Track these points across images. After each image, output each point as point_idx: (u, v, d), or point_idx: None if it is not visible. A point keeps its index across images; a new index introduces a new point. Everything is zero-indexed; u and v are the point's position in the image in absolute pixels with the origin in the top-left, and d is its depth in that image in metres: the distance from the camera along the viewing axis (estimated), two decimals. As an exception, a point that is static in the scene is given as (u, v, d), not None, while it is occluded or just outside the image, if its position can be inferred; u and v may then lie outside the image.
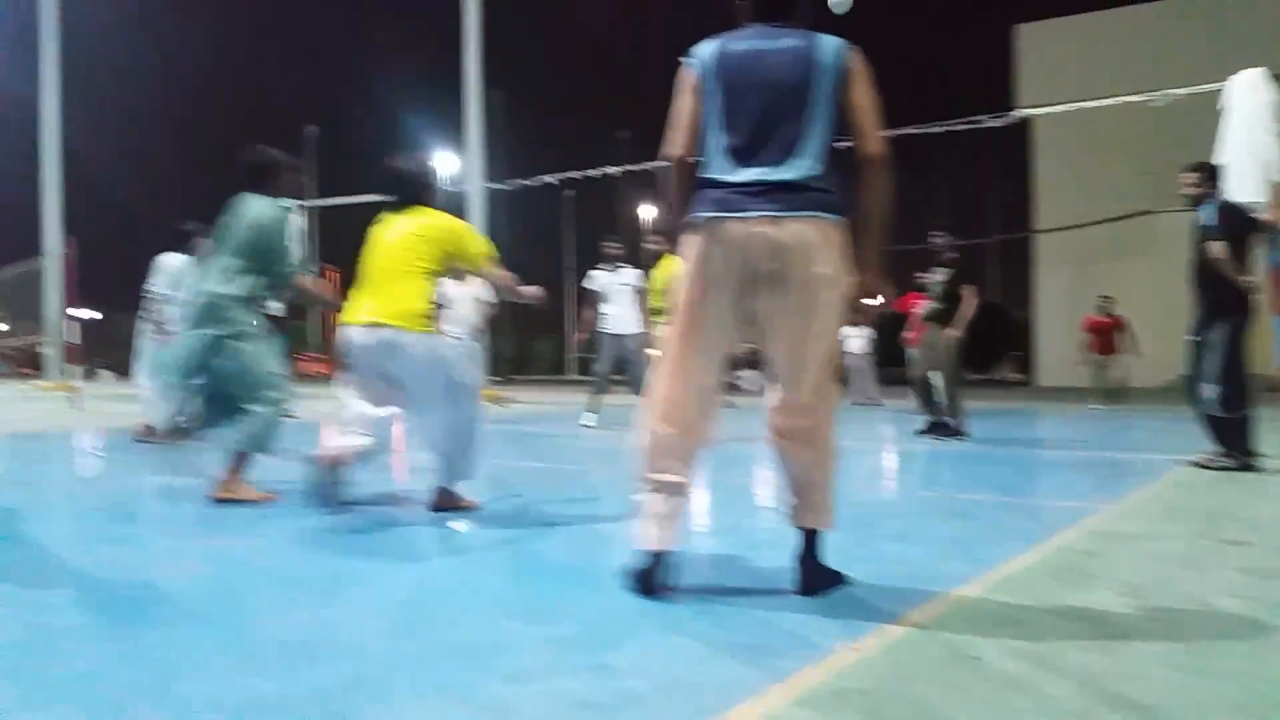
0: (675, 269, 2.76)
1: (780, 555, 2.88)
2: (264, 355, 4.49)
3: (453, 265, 4.26)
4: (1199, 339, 5.88)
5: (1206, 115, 7.15)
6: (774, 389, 2.75)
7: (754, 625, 2.43)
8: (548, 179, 9.57)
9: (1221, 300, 5.78)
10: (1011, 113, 7.68)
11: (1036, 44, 39.46)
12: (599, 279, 9.46)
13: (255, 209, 4.54)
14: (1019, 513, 4.40)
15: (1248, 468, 5.75)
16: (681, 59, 2.77)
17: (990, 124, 7.22)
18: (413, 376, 4.06)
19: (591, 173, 9.38)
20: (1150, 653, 2.21)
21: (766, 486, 4.98)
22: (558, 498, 4.73)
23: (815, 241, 2.56)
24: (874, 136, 2.64)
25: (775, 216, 2.55)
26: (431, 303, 4.15)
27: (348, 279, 4.76)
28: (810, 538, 2.77)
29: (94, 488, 5.36)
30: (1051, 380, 36.79)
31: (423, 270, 4.11)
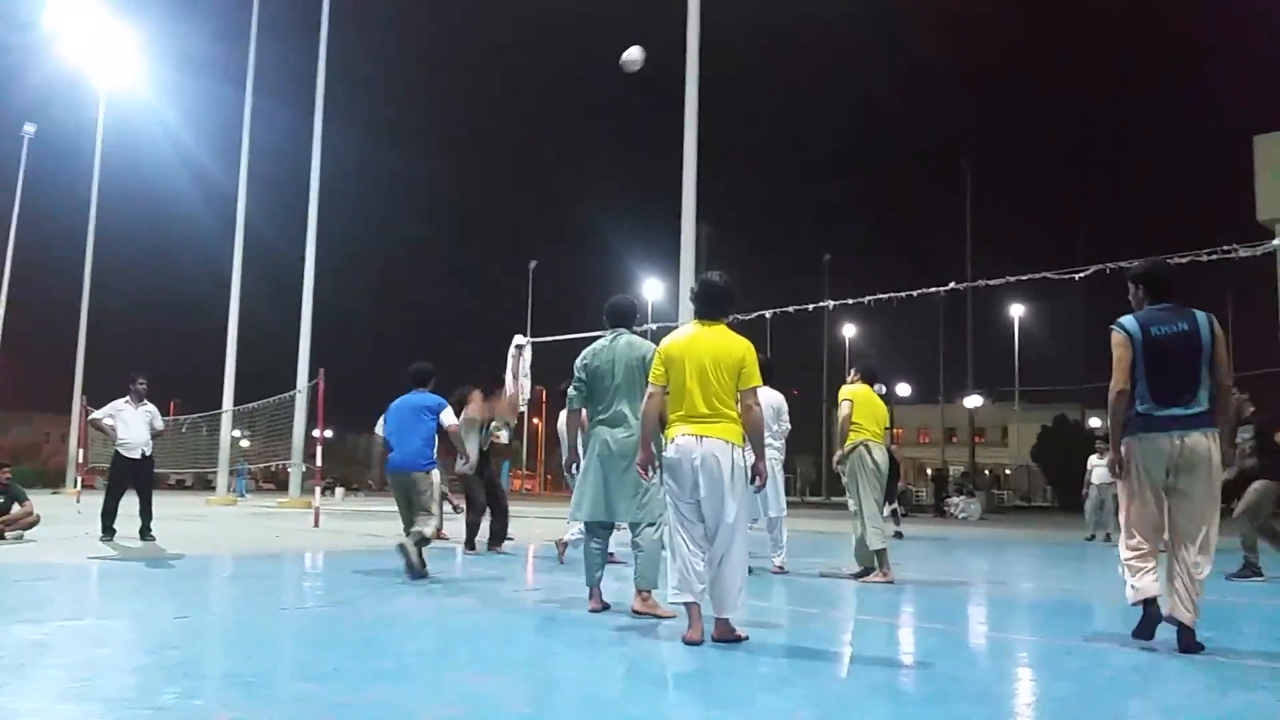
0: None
1: None
2: None
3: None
4: None
5: None
6: (1179, 543, 4.60)
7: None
8: (764, 313, 9.77)
9: None
10: (1273, 242, 7.15)
11: (1277, 153, 36.92)
12: None
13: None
14: (1304, 686, 3.96)
15: None
16: (1111, 327, 4.69)
17: (1243, 254, 6.74)
18: (726, 493, 4.45)
19: (802, 307, 9.49)
20: None
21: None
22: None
23: (1209, 442, 4.52)
24: (1229, 376, 4.69)
25: (1185, 433, 4.52)
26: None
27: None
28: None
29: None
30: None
31: (732, 391, 4.57)
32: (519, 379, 11.26)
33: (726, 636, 4.50)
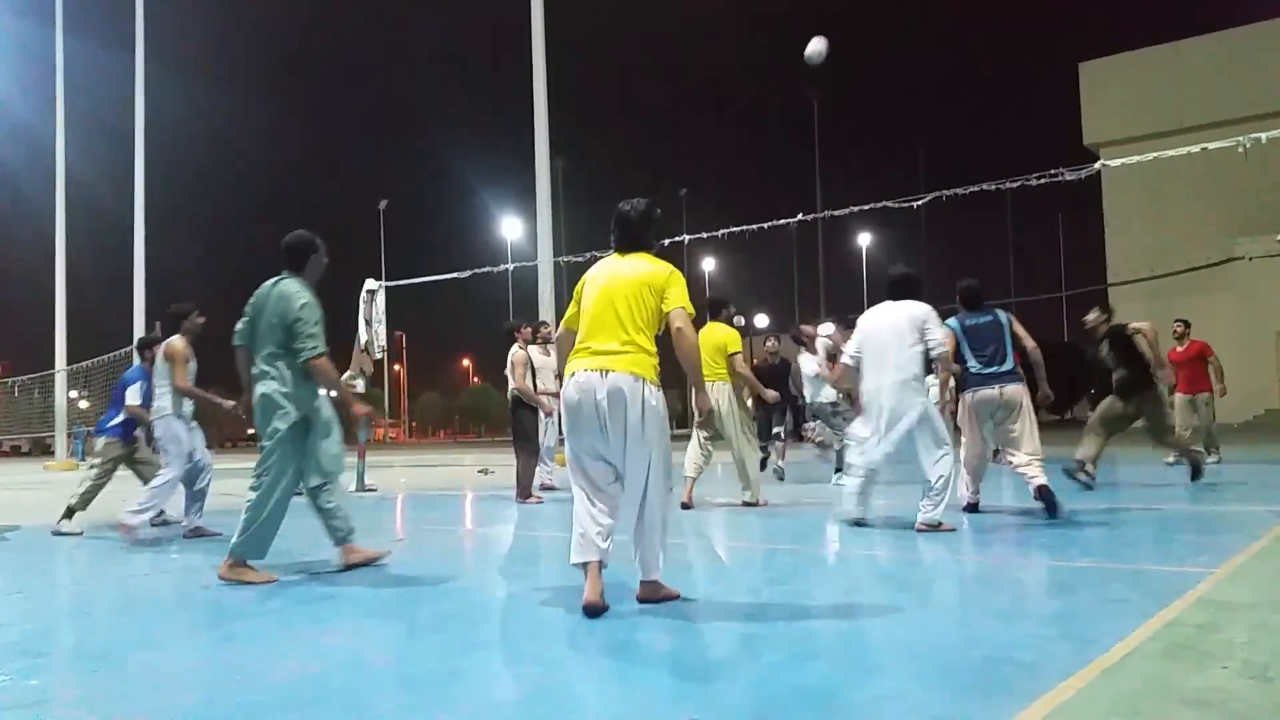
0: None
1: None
2: None
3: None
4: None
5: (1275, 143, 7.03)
6: (1010, 453, 6.81)
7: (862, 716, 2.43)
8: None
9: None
10: (1094, 165, 7.68)
11: (1100, 81, 39.07)
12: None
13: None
14: (1122, 581, 4.30)
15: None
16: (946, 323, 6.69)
17: (1069, 177, 7.25)
18: (634, 433, 3.80)
19: (658, 242, 9.53)
20: (1284, 746, 2.15)
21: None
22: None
23: (1019, 391, 6.70)
24: (1029, 340, 6.79)
25: (1002, 386, 6.69)
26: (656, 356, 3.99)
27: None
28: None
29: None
30: (1132, 419, 35.86)
31: (650, 320, 3.94)
32: (373, 325, 10.96)
33: (652, 597, 3.93)
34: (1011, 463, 6.78)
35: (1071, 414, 52.14)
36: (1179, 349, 12.06)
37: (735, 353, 8.18)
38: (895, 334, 6.17)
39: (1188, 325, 12.21)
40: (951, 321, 6.82)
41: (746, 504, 8.10)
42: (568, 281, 13.90)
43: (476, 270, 11.29)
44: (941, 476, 6.03)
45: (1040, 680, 2.67)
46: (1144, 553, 5.18)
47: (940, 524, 6.01)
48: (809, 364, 10.32)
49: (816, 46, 8.21)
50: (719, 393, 7.96)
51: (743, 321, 9.95)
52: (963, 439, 6.96)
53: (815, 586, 4.44)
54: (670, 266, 4.02)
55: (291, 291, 4.95)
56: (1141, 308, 34.75)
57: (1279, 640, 3.06)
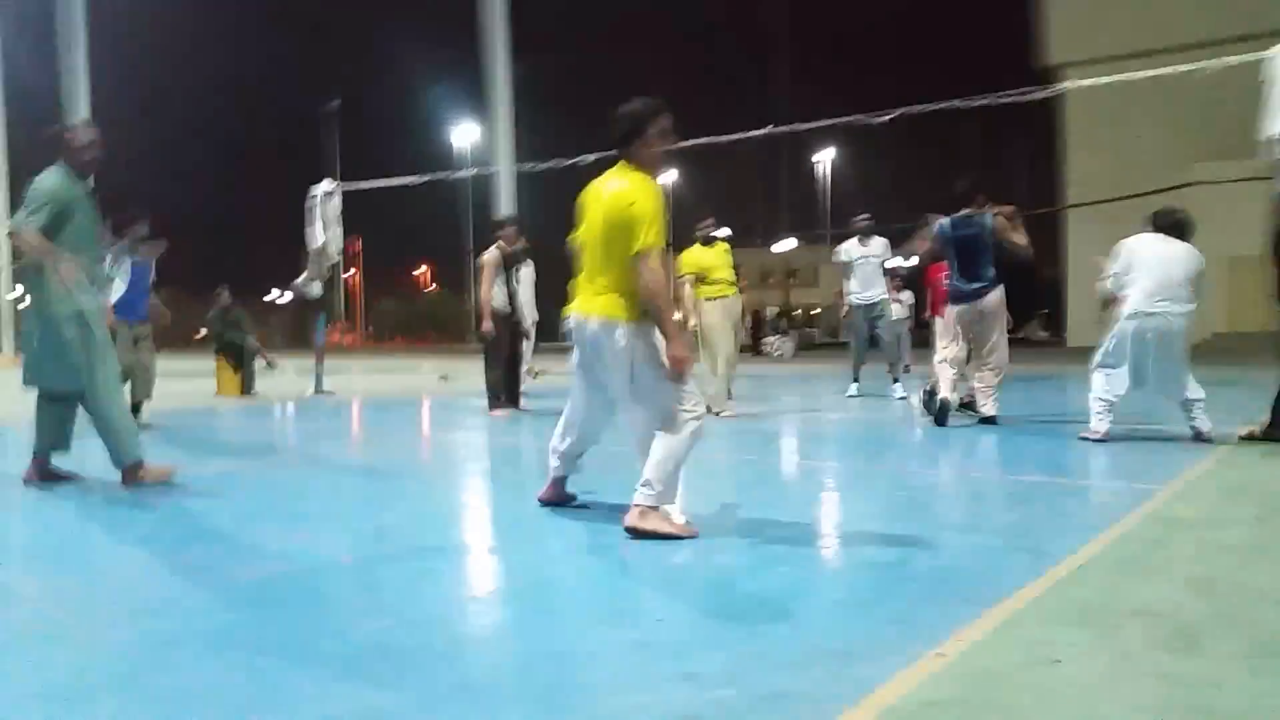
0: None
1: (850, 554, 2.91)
2: None
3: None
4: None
5: (1240, 69, 7.04)
6: (981, 362, 7.36)
7: (835, 630, 2.47)
8: (590, 156, 9.56)
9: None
10: (1056, 85, 7.74)
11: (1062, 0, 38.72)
12: (850, 251, 9.94)
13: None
14: (1075, 496, 4.41)
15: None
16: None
17: (1036, 95, 7.29)
18: (618, 380, 3.66)
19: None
20: (1228, 654, 2.22)
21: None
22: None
23: (997, 299, 7.20)
24: (1023, 242, 7.13)
25: (980, 295, 7.16)
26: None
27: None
28: None
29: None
30: (1083, 339, 36.56)
31: (625, 251, 3.59)
32: (329, 227, 10.71)
33: (637, 525, 3.52)
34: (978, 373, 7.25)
35: (1022, 333, 53.03)
36: None
37: (681, 276, 8.24)
38: (1181, 268, 6.03)
39: None
40: (946, 224, 7.15)
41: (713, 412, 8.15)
42: (527, 190, 13.62)
43: (433, 175, 11.03)
44: (1199, 392, 6.24)
45: (995, 590, 2.73)
46: (1095, 469, 5.30)
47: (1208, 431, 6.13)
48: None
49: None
50: (707, 310, 8.15)
51: (728, 230, 9.64)
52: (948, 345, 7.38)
53: (775, 497, 4.50)
54: (637, 192, 3.59)
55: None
56: (1097, 230, 35.13)
57: (1222, 556, 3.16)
